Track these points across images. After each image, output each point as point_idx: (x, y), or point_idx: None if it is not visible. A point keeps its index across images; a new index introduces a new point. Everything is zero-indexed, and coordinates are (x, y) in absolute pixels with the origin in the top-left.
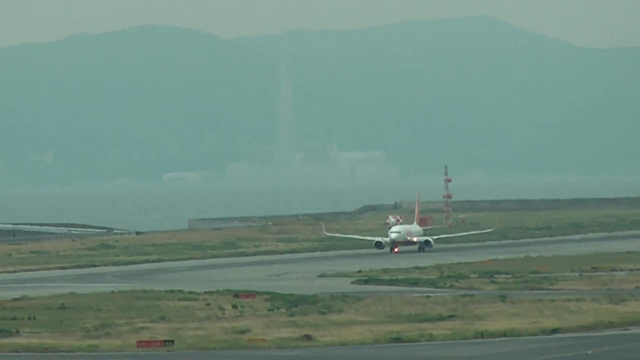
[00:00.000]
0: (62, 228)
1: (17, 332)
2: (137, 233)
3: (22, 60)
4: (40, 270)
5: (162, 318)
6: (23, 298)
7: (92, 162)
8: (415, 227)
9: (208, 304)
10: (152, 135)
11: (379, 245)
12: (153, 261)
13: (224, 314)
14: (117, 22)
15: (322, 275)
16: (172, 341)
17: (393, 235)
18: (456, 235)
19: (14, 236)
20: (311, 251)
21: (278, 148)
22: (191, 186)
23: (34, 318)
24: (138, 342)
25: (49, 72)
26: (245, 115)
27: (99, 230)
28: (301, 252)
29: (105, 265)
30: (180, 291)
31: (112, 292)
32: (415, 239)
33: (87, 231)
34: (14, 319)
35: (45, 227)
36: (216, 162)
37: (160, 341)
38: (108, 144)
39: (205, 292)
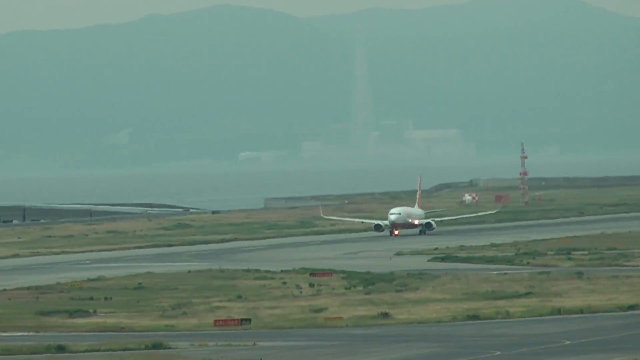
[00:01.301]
0: (139, 208)
1: (94, 312)
2: (214, 212)
3: (97, 42)
4: (116, 250)
5: (239, 297)
6: (99, 278)
7: (167, 142)
8: (416, 210)
9: (284, 283)
10: (228, 115)
11: (378, 227)
12: (229, 240)
13: (300, 292)
14: (191, 2)
15: (398, 254)
16: (249, 320)
17: (392, 217)
18: (458, 217)
19: (91, 216)
20: None
21: (353, 127)
22: (267, 165)
23: (111, 298)
24: (215, 321)
25: (123, 53)
26: (321, 95)
27: (175, 210)
28: None
29: (182, 244)
30: (257, 270)
31: (189, 271)
32: (416, 222)
33: (163, 211)
34: (90, 299)
35: (121, 207)
36: (292, 142)
37: (237, 320)
38: (184, 125)
39: (281, 270)
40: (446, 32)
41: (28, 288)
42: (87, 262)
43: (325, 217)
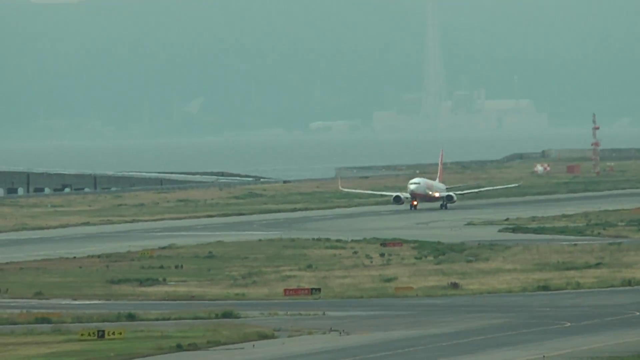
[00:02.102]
0: (210, 177)
1: (165, 280)
2: (284, 182)
3: (167, 9)
4: (187, 218)
5: (309, 266)
6: (170, 247)
7: (239, 111)
8: (437, 183)
9: (355, 252)
10: (299, 84)
11: (397, 200)
12: (300, 210)
13: (371, 262)
14: None
15: (469, 224)
16: (319, 289)
17: (412, 187)
18: (480, 189)
19: (162, 185)
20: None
21: (425, 97)
22: (338, 135)
23: (182, 267)
24: (285, 290)
25: (195, 20)
26: (392, 64)
27: (246, 178)
28: None
29: (253, 213)
30: (328, 239)
31: (259, 240)
32: (437, 194)
33: (234, 180)
34: (161, 268)
35: (192, 176)
36: (363, 111)
37: (308, 289)
38: (255, 94)
39: (352, 240)
40: (519, 1)
41: (99, 256)
42: (158, 230)
43: (344, 189)
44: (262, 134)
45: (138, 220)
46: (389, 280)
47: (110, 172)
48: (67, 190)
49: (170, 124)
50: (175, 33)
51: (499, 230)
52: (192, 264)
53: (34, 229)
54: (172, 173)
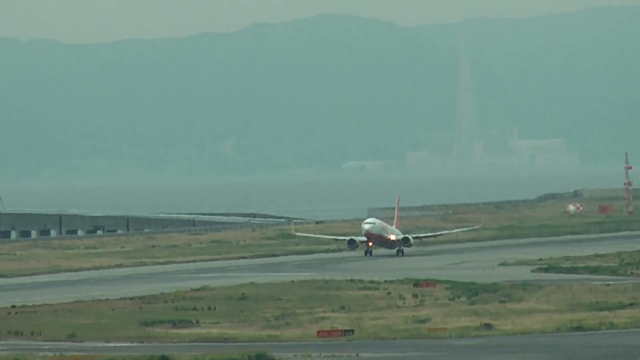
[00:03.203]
0: (242, 217)
1: (198, 322)
2: (317, 222)
3: (203, 50)
4: (220, 260)
5: (343, 307)
6: (203, 288)
7: (272, 151)
8: (393, 228)
9: (388, 293)
10: (332, 123)
11: (351, 243)
12: (333, 250)
13: (404, 303)
14: (297, 11)
15: (502, 264)
16: (353, 330)
17: (367, 226)
18: (438, 233)
19: (194, 226)
20: (491, 239)
21: (458, 136)
22: (371, 175)
23: (215, 308)
24: (318, 331)
25: (229, 61)
26: (425, 104)
27: (279, 219)
28: (481, 240)
29: (286, 254)
30: (361, 280)
31: (292, 281)
32: (392, 237)
33: (267, 221)
34: (194, 309)
35: (225, 217)
36: (396, 151)
37: (341, 331)
38: (288, 133)
39: (385, 281)
40: (552, 41)
41: (132, 298)
42: (191, 272)
43: (298, 233)
44: (294, 174)
45: (171, 262)
46: (422, 321)
47: (142, 214)
48: (99, 232)
49: (203, 164)
50: (207, 74)
51: (532, 270)
52: (225, 306)
53: (67, 270)
54: (204, 214)
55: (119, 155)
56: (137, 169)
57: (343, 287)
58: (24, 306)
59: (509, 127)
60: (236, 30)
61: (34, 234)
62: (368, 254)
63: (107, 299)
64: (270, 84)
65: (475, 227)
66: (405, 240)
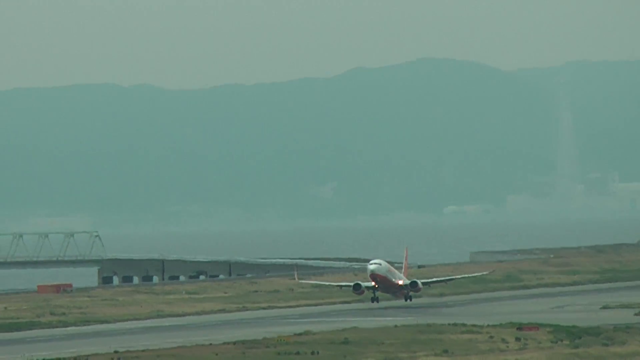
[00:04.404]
0: (343, 262)
1: None
2: (419, 267)
3: (302, 94)
4: (322, 305)
5: (445, 351)
6: (306, 333)
7: (372, 195)
8: (400, 274)
9: (491, 337)
10: (431, 168)
11: (357, 288)
12: (435, 295)
13: (507, 346)
14: (396, 55)
15: (604, 307)
16: None
17: (372, 267)
18: (448, 278)
19: (296, 271)
20: (593, 283)
21: (558, 180)
22: (471, 219)
23: (317, 353)
24: None
25: (328, 105)
26: (525, 147)
27: None
28: (583, 284)
29: (388, 299)
30: (463, 324)
31: (395, 326)
32: (400, 282)
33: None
34: (297, 354)
35: (326, 262)
36: (496, 195)
37: None
38: (388, 177)
39: (488, 325)
40: None
41: (234, 343)
42: (293, 316)
43: (300, 280)
44: (394, 218)
45: (273, 307)
46: None
47: (244, 259)
48: (202, 277)
49: (303, 208)
50: (307, 118)
51: (636, 314)
52: (327, 350)
53: (169, 316)
54: (306, 259)
55: (219, 200)
56: (237, 214)
57: (445, 331)
58: (127, 352)
59: (609, 171)
60: (336, 75)
61: (136, 279)
62: (375, 301)
63: (210, 344)
64: (370, 128)
65: (485, 273)
66: (413, 285)
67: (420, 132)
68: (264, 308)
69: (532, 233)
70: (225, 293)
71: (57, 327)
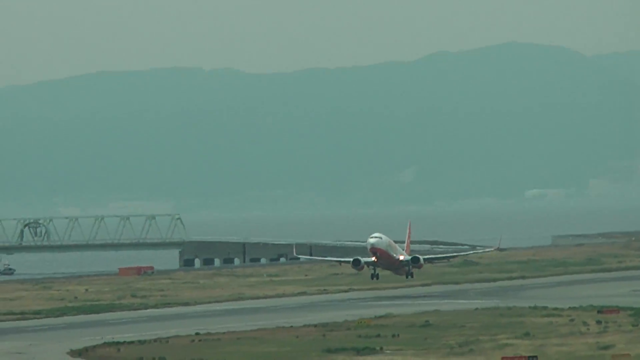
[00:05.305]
0: (425, 245)
1: (381, 349)
2: (500, 250)
3: (384, 78)
4: (403, 287)
5: (526, 334)
6: (387, 316)
7: (453, 180)
8: (401, 249)
9: (572, 320)
10: (513, 152)
11: (356, 264)
12: (516, 278)
13: (587, 329)
14: (478, 40)
15: None
16: (536, 357)
17: (372, 240)
18: (452, 255)
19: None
20: None
21: (638, 164)
22: (553, 203)
23: (398, 335)
24: (502, 358)
25: (410, 89)
26: (607, 131)
27: (461, 247)
28: None
29: (469, 282)
30: (544, 307)
31: (476, 309)
32: (400, 257)
33: (449, 248)
34: (378, 337)
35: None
36: (578, 179)
37: (525, 357)
38: (469, 163)
39: (569, 308)
40: None
41: (315, 325)
42: (374, 299)
43: (300, 256)
44: (475, 203)
45: (354, 290)
46: (605, 347)
47: (324, 242)
48: (282, 260)
49: (383, 193)
50: (389, 102)
51: None
52: (408, 333)
53: (250, 298)
54: None
55: (300, 185)
56: (317, 199)
57: (526, 314)
58: (207, 334)
59: None
60: (417, 59)
61: (217, 262)
62: (375, 278)
63: (291, 327)
64: (452, 112)
65: (488, 250)
66: (415, 261)
67: (501, 116)
68: (344, 291)
69: (613, 217)
70: (306, 276)
71: (138, 309)
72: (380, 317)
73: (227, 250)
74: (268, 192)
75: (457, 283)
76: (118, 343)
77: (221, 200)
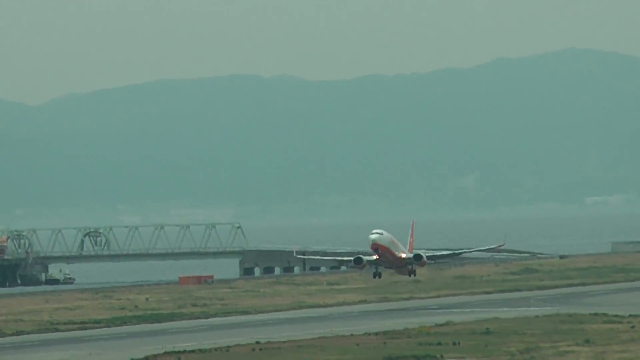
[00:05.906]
0: (486, 253)
1: (442, 357)
2: (561, 257)
3: (444, 85)
4: (463, 295)
5: (587, 341)
6: (447, 323)
7: (514, 186)
8: (404, 248)
9: (632, 327)
10: (574, 158)
11: (358, 261)
12: (577, 285)
13: None
14: (538, 46)
15: None
16: None
17: (374, 236)
18: (457, 251)
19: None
20: None
21: None
22: (614, 209)
23: (459, 343)
24: None
25: (471, 96)
26: None
27: (522, 254)
28: None
29: (530, 289)
30: (605, 314)
31: (537, 316)
32: (403, 255)
33: (510, 256)
34: (438, 344)
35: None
36: (639, 185)
37: None
38: (530, 168)
39: (629, 315)
40: None
41: (376, 333)
42: (435, 307)
43: (298, 256)
44: (537, 209)
45: (414, 298)
46: None
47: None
48: (343, 268)
49: (445, 198)
50: (450, 108)
51: None
52: (469, 341)
53: (310, 307)
54: (446, 250)
55: (361, 191)
56: (379, 205)
57: (587, 320)
58: (268, 342)
59: None
60: (477, 65)
61: (277, 270)
62: (377, 277)
63: (351, 335)
64: (512, 119)
65: (493, 247)
66: (417, 258)
67: (562, 122)
68: (405, 299)
69: None
70: (367, 284)
71: (198, 318)
72: (441, 325)
73: (287, 258)
74: (330, 199)
75: (518, 290)
76: (179, 352)
77: (283, 208)
